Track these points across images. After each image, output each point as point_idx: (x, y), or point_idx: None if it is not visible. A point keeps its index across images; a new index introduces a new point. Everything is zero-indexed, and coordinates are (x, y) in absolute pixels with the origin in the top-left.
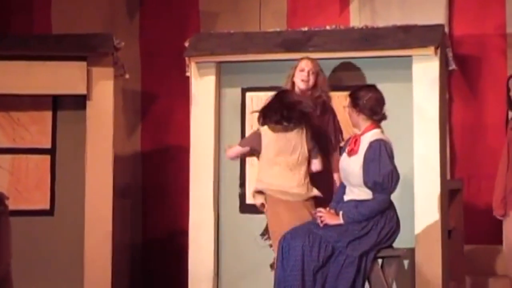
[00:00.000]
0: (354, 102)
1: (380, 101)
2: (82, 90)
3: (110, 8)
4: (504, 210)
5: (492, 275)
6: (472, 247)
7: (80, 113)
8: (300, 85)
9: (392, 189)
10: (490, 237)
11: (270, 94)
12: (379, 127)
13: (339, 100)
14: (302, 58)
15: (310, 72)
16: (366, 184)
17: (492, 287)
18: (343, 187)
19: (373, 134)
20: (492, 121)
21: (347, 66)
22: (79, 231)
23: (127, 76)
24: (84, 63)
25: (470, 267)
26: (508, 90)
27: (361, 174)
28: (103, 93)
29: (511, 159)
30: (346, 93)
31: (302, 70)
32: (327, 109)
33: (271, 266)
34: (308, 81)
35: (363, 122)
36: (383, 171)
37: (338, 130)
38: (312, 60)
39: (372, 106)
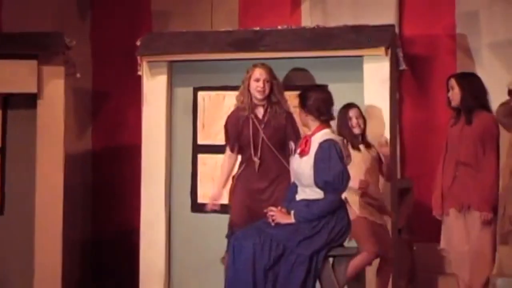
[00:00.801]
0: (302, 103)
1: (327, 101)
2: (33, 89)
3: (62, 7)
4: (442, 210)
5: (441, 273)
6: (422, 245)
7: (31, 112)
8: (257, 95)
9: (343, 189)
10: (440, 235)
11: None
12: (329, 127)
13: (290, 100)
14: (255, 67)
15: (265, 81)
16: (317, 184)
17: (441, 285)
18: (294, 186)
19: (323, 134)
20: (442, 120)
21: (298, 66)
22: (29, 230)
23: (78, 75)
24: (35, 62)
25: (419, 265)
26: (447, 90)
27: (312, 175)
28: (54, 92)
29: (446, 159)
30: (297, 93)
31: (257, 80)
32: (285, 114)
33: (221, 260)
34: (264, 91)
35: (312, 122)
36: (334, 171)
37: (297, 134)
38: (265, 67)
39: (319, 107)
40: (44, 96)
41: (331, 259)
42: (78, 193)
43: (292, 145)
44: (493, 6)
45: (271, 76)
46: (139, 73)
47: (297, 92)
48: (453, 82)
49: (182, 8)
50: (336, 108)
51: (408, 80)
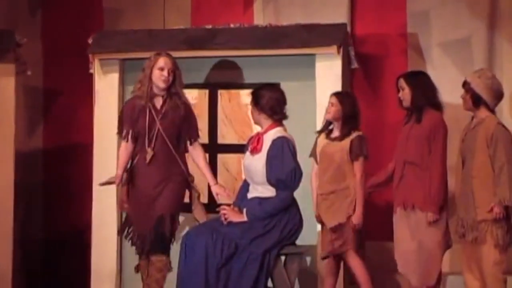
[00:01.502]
0: (255, 101)
1: (280, 100)
2: None
3: (12, 3)
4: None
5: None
6: (373, 243)
7: None
8: (160, 84)
9: (295, 186)
10: (391, 234)
11: None
12: (281, 125)
13: (243, 98)
14: (159, 55)
15: (170, 71)
16: (269, 181)
17: (392, 284)
18: (246, 184)
19: (276, 132)
20: (393, 119)
21: (250, 64)
22: None
23: (29, 72)
24: None
25: (371, 263)
26: (398, 91)
27: (265, 172)
28: (5, 90)
29: (396, 158)
30: (249, 91)
31: (161, 69)
32: (184, 107)
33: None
34: (168, 80)
35: (265, 120)
36: (286, 168)
37: (194, 127)
38: (170, 57)
39: (272, 106)
40: None
41: (283, 257)
42: (29, 191)
43: (188, 139)
44: (444, 6)
45: (175, 66)
46: (91, 71)
47: (249, 90)
48: (402, 82)
49: (134, 6)
50: (288, 107)
51: (360, 78)
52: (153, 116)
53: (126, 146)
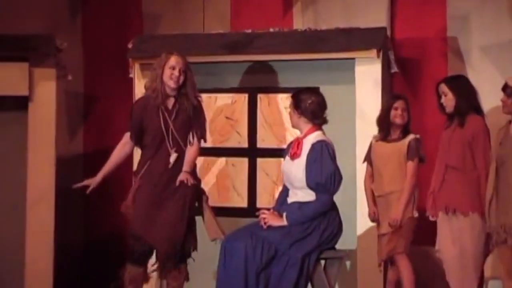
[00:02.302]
0: (296, 105)
1: (322, 105)
2: (24, 91)
3: (53, 8)
4: (434, 211)
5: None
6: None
7: (22, 115)
8: (170, 84)
9: (335, 189)
10: (426, 238)
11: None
12: (320, 129)
13: (282, 102)
14: (170, 54)
15: (181, 70)
16: (308, 185)
17: None
18: (285, 190)
19: (315, 136)
20: (433, 123)
21: (290, 68)
22: (21, 233)
23: (69, 77)
24: (26, 64)
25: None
26: (439, 96)
27: (304, 177)
28: (45, 95)
29: (437, 162)
30: (288, 95)
31: (173, 68)
32: (193, 108)
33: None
34: (178, 80)
35: (305, 124)
36: (326, 172)
37: (202, 127)
38: (182, 56)
39: (314, 110)
40: (35, 98)
41: (323, 262)
42: (70, 196)
43: (190, 136)
44: (484, 9)
45: (187, 66)
46: (131, 75)
47: (288, 94)
48: (444, 87)
49: (173, 10)
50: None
51: (400, 82)
52: (166, 117)
53: (125, 146)
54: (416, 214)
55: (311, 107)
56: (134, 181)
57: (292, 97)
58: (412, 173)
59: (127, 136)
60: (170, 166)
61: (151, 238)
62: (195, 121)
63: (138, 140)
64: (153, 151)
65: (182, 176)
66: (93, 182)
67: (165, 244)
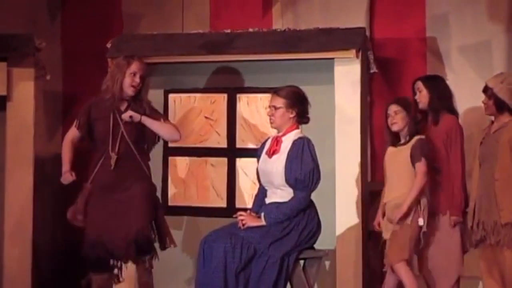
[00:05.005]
0: (293, 104)
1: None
2: (2, 91)
3: (32, 8)
4: None
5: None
6: None
7: (0, 114)
8: (130, 91)
9: (313, 187)
10: None
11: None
12: (298, 127)
13: (262, 102)
14: (131, 60)
15: (141, 77)
16: (287, 181)
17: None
18: (262, 191)
19: (296, 134)
20: None
21: (269, 68)
22: None
23: (48, 77)
24: (4, 64)
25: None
26: (414, 93)
27: (284, 173)
28: (24, 94)
29: None
30: (268, 95)
31: (134, 75)
32: (145, 110)
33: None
34: (138, 87)
35: (288, 123)
36: (305, 168)
37: (160, 115)
38: (142, 61)
39: (307, 109)
40: (13, 98)
41: (302, 261)
42: (49, 196)
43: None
44: (463, 9)
45: (146, 71)
46: None
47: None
48: (420, 84)
49: (153, 10)
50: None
51: (379, 83)
52: (117, 119)
53: (73, 139)
54: (421, 223)
55: (306, 107)
56: (84, 186)
57: (288, 94)
58: (422, 172)
59: (73, 131)
60: (111, 168)
61: (109, 243)
62: (155, 114)
63: (86, 139)
64: (101, 154)
65: (130, 113)
66: (65, 174)
67: (123, 247)
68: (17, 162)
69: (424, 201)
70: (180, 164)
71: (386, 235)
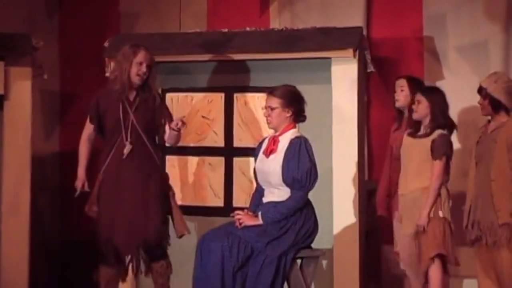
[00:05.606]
0: (289, 104)
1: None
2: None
3: (29, 7)
4: (385, 211)
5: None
6: (390, 247)
7: None
8: (136, 80)
9: (310, 186)
10: None
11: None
12: (295, 126)
13: (259, 101)
14: (137, 49)
15: (147, 66)
16: (285, 181)
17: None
18: (259, 191)
19: (293, 133)
20: None
21: (266, 67)
22: None
23: (45, 76)
24: (2, 63)
25: (388, 267)
26: (394, 91)
27: (281, 172)
28: (21, 93)
29: (393, 163)
30: (265, 94)
31: (140, 64)
32: (155, 98)
33: None
34: (145, 75)
35: (285, 123)
36: (302, 167)
37: (168, 114)
38: (148, 51)
39: (303, 108)
40: (10, 97)
41: (299, 261)
42: (46, 195)
43: (166, 127)
44: (460, 9)
45: (152, 60)
46: (107, 74)
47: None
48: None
49: (150, 10)
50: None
51: (376, 82)
52: (126, 108)
53: (90, 136)
54: (441, 214)
55: (303, 106)
56: (98, 177)
57: (285, 94)
58: (438, 173)
59: (89, 128)
60: (124, 157)
61: (117, 238)
62: (163, 112)
63: (100, 132)
64: (113, 144)
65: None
66: (79, 181)
67: (131, 245)
68: (15, 161)
69: (444, 193)
70: (178, 163)
71: (405, 230)
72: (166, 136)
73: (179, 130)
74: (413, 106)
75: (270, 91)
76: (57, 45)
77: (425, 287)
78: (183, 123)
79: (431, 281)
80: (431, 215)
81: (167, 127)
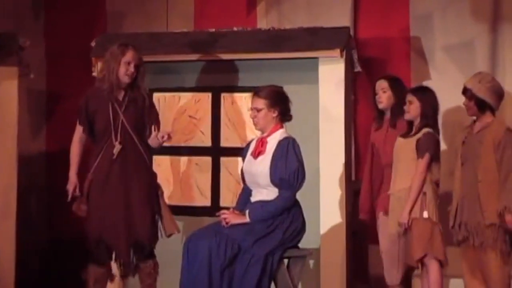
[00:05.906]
0: (274, 104)
1: (290, 102)
2: None
3: (15, 6)
4: (368, 214)
5: None
6: (377, 247)
7: None
8: (125, 80)
9: (298, 186)
10: None
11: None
12: (283, 126)
13: (246, 101)
14: (125, 48)
15: (135, 66)
16: (273, 181)
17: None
18: (246, 191)
19: (281, 133)
20: None
21: (253, 67)
22: None
23: (32, 75)
24: None
25: (374, 267)
26: (375, 93)
27: (269, 173)
28: (7, 93)
29: (374, 163)
30: (249, 94)
31: (128, 63)
32: (143, 98)
33: None
34: (133, 75)
35: (272, 123)
36: (290, 168)
37: (156, 117)
38: (136, 50)
39: (289, 108)
40: None
41: (286, 260)
42: (32, 195)
43: (152, 128)
44: (447, 9)
45: (140, 60)
46: (94, 74)
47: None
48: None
49: (137, 9)
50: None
51: (363, 82)
52: (116, 108)
53: (81, 138)
54: (425, 215)
55: (289, 106)
56: (87, 177)
57: (270, 94)
58: (420, 171)
59: (79, 130)
60: (114, 157)
61: (108, 239)
62: (151, 113)
63: (90, 133)
64: (103, 144)
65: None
66: (71, 184)
67: (122, 245)
68: (1, 160)
69: (430, 192)
70: (164, 163)
71: (392, 229)
72: (150, 139)
73: (163, 143)
74: (405, 107)
75: (255, 92)
76: (44, 45)
77: (424, 287)
78: (169, 137)
79: (430, 282)
80: (416, 215)
81: (153, 131)
